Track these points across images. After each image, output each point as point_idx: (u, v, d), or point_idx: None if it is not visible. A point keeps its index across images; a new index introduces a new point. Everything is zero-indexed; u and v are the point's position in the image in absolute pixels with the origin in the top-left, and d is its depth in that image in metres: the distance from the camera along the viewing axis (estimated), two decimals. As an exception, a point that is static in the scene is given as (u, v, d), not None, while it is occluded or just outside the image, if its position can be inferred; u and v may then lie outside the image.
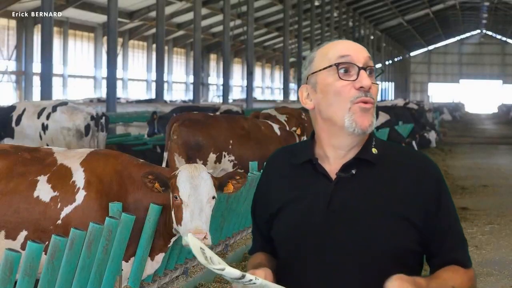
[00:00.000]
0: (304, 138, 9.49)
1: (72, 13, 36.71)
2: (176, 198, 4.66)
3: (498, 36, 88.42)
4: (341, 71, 2.23)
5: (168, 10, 36.30)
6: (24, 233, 4.67)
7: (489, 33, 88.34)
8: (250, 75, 33.31)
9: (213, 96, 54.03)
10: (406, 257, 2.22)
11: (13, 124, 11.08)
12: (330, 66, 2.24)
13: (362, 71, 2.22)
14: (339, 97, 2.22)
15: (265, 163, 2.51)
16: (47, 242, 4.20)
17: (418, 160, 2.30)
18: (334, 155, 2.28)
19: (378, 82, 2.30)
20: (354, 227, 2.19)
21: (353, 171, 2.24)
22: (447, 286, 2.18)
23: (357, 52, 2.25)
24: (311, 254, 2.23)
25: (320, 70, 2.27)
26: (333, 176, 2.26)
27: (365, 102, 2.21)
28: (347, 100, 2.21)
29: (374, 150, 2.26)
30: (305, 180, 2.28)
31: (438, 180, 2.27)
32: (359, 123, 2.20)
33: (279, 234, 2.32)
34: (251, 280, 2.05)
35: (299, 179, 2.30)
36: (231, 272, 2.02)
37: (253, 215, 2.49)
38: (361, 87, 2.21)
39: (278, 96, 64.70)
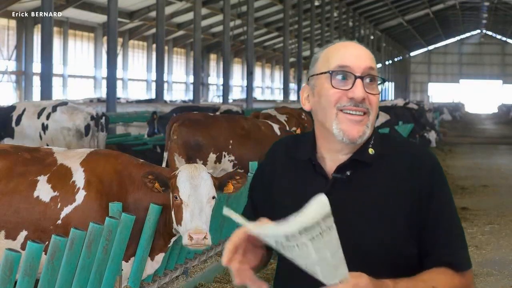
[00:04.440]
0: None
1: (72, 13, 36.69)
2: (176, 198, 4.66)
3: (498, 36, 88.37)
4: (338, 77, 2.22)
5: (168, 10, 36.28)
6: (24, 233, 4.67)
7: (489, 33, 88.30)
8: (250, 75, 33.29)
9: (213, 96, 53.98)
10: (396, 259, 2.18)
11: (13, 124, 11.08)
12: (328, 72, 2.23)
13: (358, 81, 2.20)
14: (330, 103, 2.22)
15: (268, 151, 2.47)
16: (47, 242, 4.19)
17: (413, 152, 2.26)
18: (329, 156, 2.28)
19: (378, 91, 2.25)
20: (344, 228, 2.11)
21: (348, 173, 2.23)
22: (427, 287, 2.11)
23: (357, 61, 2.22)
24: None
25: (319, 74, 2.27)
26: (330, 176, 2.26)
27: (354, 113, 2.19)
28: (335, 106, 2.21)
29: (371, 151, 2.25)
30: (305, 178, 2.28)
31: (433, 171, 2.22)
32: (346, 133, 2.20)
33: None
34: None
35: (299, 175, 2.30)
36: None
37: (251, 191, 2.46)
38: (352, 98, 2.20)
39: (278, 96, 64.65)
